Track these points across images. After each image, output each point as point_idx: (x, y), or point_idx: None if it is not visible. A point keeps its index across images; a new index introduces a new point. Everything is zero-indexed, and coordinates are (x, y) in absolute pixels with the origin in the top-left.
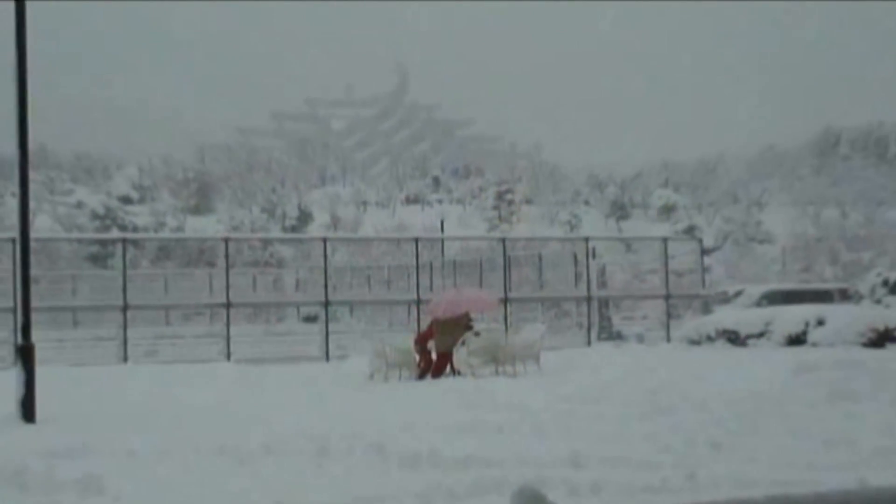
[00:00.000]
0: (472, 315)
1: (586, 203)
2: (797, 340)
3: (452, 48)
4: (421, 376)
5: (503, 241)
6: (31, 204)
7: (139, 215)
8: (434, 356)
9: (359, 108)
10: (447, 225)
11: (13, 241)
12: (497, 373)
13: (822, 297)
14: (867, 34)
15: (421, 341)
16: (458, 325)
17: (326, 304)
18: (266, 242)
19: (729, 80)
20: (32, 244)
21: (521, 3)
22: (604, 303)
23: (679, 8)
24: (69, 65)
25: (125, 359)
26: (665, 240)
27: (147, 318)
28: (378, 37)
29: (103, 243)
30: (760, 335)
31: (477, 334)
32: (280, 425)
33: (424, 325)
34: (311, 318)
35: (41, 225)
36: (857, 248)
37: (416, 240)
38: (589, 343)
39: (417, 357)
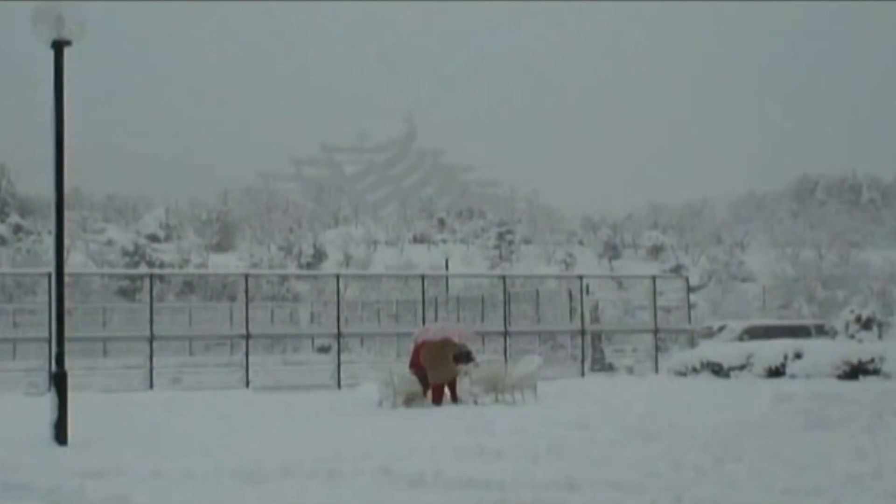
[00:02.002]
0: (475, 347)
1: (580, 243)
2: (776, 372)
3: (456, 99)
4: (408, 402)
5: (503, 278)
6: (66, 241)
7: (166, 252)
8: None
9: (370, 154)
10: (451, 263)
11: (49, 275)
12: (497, 401)
13: (799, 332)
14: (842, 90)
15: (416, 368)
16: (445, 357)
17: (339, 335)
18: (283, 278)
19: (713, 130)
20: (66, 279)
21: (520, 57)
22: (596, 336)
23: (666, 63)
24: (101, 112)
25: (151, 386)
26: (654, 278)
27: (172, 348)
28: (388, 87)
29: (132, 278)
30: (742, 367)
31: (476, 365)
32: (295, 448)
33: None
34: (324, 349)
35: (75, 261)
36: (832, 287)
37: (423, 277)
38: (582, 374)
39: (419, 383)
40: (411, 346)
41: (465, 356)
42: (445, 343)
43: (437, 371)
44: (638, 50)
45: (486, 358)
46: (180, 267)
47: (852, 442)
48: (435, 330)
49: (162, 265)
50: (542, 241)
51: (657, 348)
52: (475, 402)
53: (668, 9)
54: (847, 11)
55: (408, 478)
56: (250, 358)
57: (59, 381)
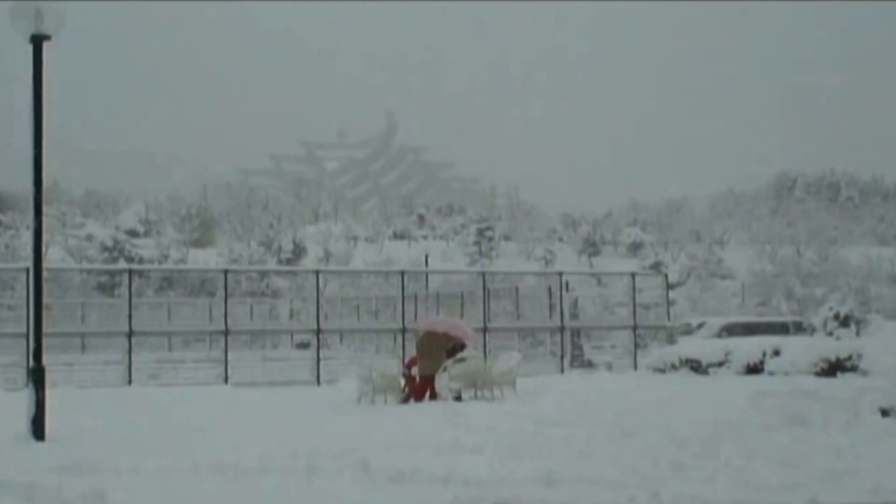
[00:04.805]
0: (473, 345)
1: (560, 240)
2: (755, 369)
3: (437, 95)
4: (406, 400)
5: (483, 274)
6: (45, 236)
7: (145, 248)
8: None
9: (351, 151)
10: (431, 259)
11: (27, 270)
12: (476, 397)
13: (778, 329)
14: (821, 89)
15: (409, 367)
16: (440, 350)
17: (318, 331)
18: (263, 274)
19: (693, 128)
20: (45, 274)
21: (501, 55)
22: (576, 333)
23: (649, 61)
24: (82, 107)
25: (130, 381)
26: (633, 275)
27: (151, 344)
28: (368, 83)
29: (111, 274)
30: (721, 364)
31: (461, 360)
32: (273, 445)
33: (412, 348)
34: (303, 345)
35: (53, 256)
36: (810, 284)
37: (402, 273)
38: (562, 370)
39: (403, 382)
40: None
41: (460, 347)
42: (445, 336)
43: (428, 362)
44: (618, 48)
45: (466, 354)
46: (159, 262)
47: (830, 439)
48: (441, 323)
49: (141, 261)
50: (522, 237)
51: (636, 345)
52: (458, 398)
53: (647, 7)
54: (828, 11)
55: (386, 474)
56: (229, 354)
57: (36, 377)
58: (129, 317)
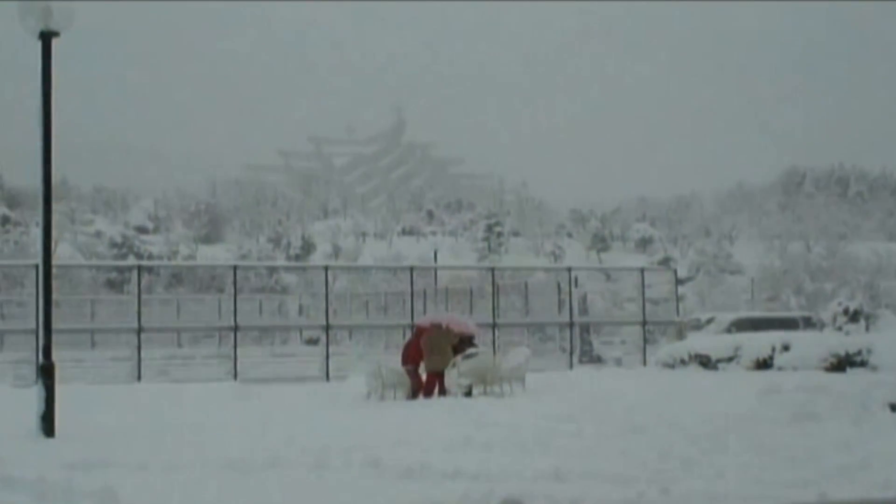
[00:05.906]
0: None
1: (569, 236)
2: (764, 365)
3: (445, 91)
4: (413, 396)
5: (492, 270)
6: (54, 233)
7: (154, 244)
8: (424, 377)
9: (359, 147)
10: (440, 255)
11: (36, 267)
12: (485, 393)
13: (787, 324)
14: (830, 84)
15: (410, 360)
16: (445, 345)
17: (327, 327)
18: (272, 270)
19: (701, 123)
20: (54, 270)
21: (509, 51)
22: (585, 328)
23: (657, 55)
24: (91, 103)
25: (139, 378)
26: (642, 270)
27: (160, 340)
28: (377, 79)
29: (120, 270)
30: (730, 359)
31: (470, 356)
32: (282, 441)
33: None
34: (312, 341)
35: (63, 253)
36: (820, 280)
37: (411, 269)
38: (571, 366)
39: (407, 376)
40: (414, 333)
41: (467, 342)
42: (449, 332)
43: (434, 358)
44: (626, 44)
45: (474, 350)
46: (168, 259)
47: (840, 434)
48: (445, 318)
49: (150, 257)
50: (531, 233)
51: (645, 340)
52: (467, 394)
53: (654, 5)
54: (837, 6)
55: (396, 470)
56: (238, 350)
57: (46, 373)
58: (139, 313)
